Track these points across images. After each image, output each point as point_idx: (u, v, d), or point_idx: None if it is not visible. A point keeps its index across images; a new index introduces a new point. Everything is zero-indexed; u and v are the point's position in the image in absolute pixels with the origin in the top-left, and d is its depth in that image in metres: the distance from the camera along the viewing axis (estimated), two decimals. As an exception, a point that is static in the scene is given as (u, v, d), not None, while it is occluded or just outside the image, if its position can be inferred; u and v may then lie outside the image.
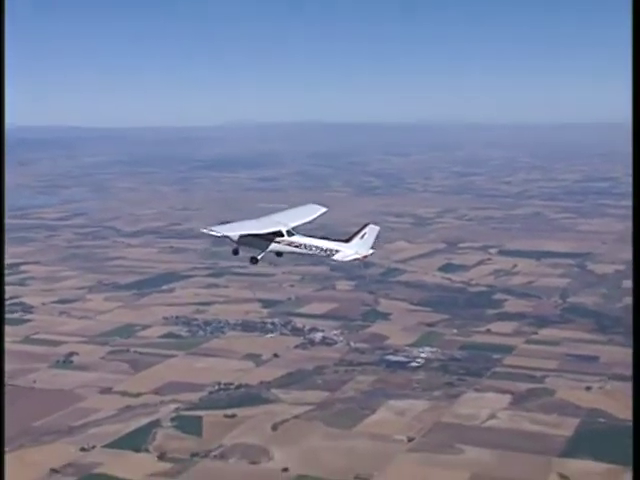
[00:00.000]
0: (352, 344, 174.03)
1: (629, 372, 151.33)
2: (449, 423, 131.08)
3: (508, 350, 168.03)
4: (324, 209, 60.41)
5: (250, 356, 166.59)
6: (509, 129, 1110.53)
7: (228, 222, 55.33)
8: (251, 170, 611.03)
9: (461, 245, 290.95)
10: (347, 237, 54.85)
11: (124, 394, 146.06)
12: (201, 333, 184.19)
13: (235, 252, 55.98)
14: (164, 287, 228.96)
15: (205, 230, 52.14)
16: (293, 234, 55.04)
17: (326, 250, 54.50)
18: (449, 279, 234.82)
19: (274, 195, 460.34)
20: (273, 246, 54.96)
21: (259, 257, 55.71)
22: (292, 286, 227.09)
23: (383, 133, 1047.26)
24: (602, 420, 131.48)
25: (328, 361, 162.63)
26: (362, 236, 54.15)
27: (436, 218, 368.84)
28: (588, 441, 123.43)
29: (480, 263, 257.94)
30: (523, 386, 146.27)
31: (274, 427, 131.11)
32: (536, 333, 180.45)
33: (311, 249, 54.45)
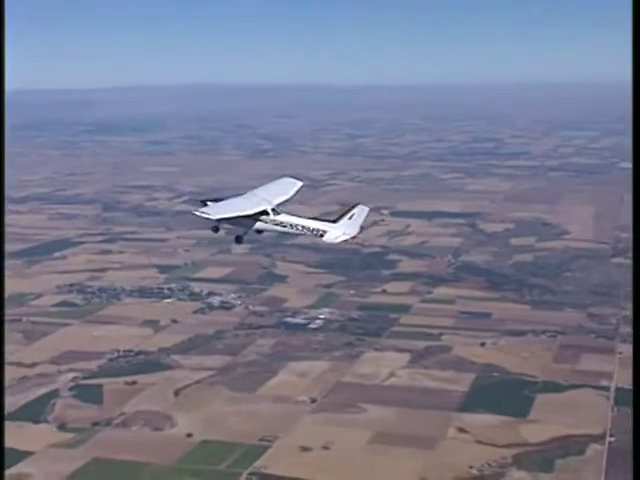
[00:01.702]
0: (251, 307, 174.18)
1: (520, 327, 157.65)
2: (350, 383, 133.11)
3: (404, 309, 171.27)
4: (300, 183, 59.35)
5: (148, 322, 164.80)
6: (397, 91, 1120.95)
7: (213, 200, 53.89)
8: (140, 134, 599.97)
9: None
10: (335, 217, 54.17)
11: (19, 365, 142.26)
12: (96, 300, 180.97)
13: (215, 230, 54.68)
14: (55, 254, 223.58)
15: (197, 213, 50.69)
16: (279, 213, 54.03)
17: (313, 230, 53.56)
18: (344, 241, 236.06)
19: (164, 159, 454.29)
20: (258, 225, 53.82)
21: (243, 235, 54.87)
22: (187, 251, 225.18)
23: (271, 95, 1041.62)
24: (496, 374, 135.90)
25: (227, 325, 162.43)
26: (350, 216, 53.46)
27: (328, 180, 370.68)
28: (484, 395, 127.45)
29: (373, 224, 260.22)
30: (421, 344, 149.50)
31: (176, 393, 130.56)
32: (431, 292, 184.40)
33: (297, 229, 53.54)
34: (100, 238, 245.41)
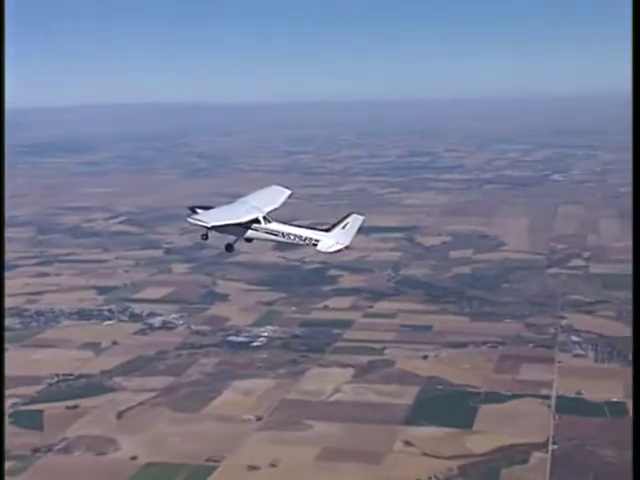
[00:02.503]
0: (193, 327, 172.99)
1: (461, 339, 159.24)
2: (296, 400, 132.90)
3: (347, 324, 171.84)
4: (288, 191, 58.75)
5: (88, 345, 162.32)
6: (333, 107, 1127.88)
7: (203, 207, 52.98)
8: (74, 155, 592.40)
9: (292, 223, 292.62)
10: (328, 226, 53.59)
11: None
12: (34, 324, 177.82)
13: (205, 237, 53.74)
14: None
15: (192, 220, 49.91)
16: (270, 221, 53.39)
17: (305, 239, 52.84)
18: (284, 257, 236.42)
19: (100, 179, 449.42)
20: (249, 233, 53.02)
21: (234, 243, 54.17)
22: (127, 271, 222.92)
23: (207, 114, 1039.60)
24: (440, 387, 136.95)
25: (169, 345, 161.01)
26: (344, 226, 52.89)
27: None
28: (428, 408, 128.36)
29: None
30: (364, 359, 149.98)
31: (119, 416, 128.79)
32: (372, 306, 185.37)
33: (290, 237, 52.92)
34: (36, 261, 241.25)
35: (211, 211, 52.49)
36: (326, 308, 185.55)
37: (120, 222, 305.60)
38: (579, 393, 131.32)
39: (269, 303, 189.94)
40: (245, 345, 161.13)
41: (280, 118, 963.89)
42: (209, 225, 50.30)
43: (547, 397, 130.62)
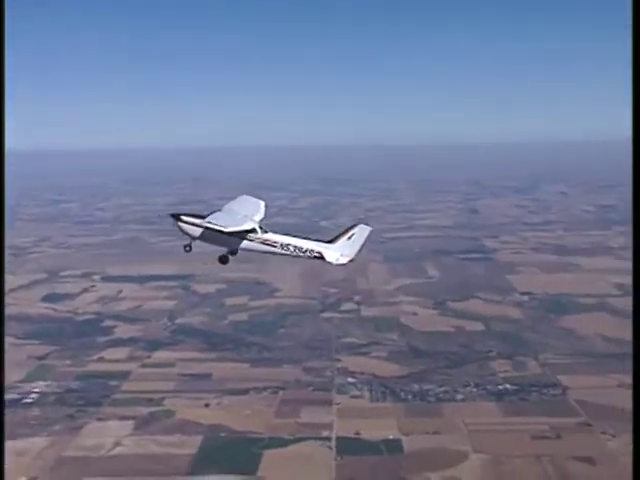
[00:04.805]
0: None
1: (242, 386, 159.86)
2: (73, 457, 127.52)
3: (124, 376, 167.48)
4: (262, 201, 54.30)
5: None
6: (98, 155, 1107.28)
7: (188, 214, 47.56)
8: None
9: (62, 274, 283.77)
10: (331, 237, 49.56)
11: None
12: None
13: (189, 249, 48.67)
14: None
15: (207, 224, 45.89)
16: (266, 231, 48.98)
17: (306, 251, 49.02)
18: (54, 309, 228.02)
19: None
20: (245, 244, 48.08)
21: (228, 255, 49.41)
22: None
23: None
24: (223, 434, 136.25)
25: None
26: (350, 237, 49.28)
27: (32, 247, 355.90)
28: (212, 456, 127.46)
29: (85, 291, 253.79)
30: (144, 410, 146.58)
31: None
32: (149, 356, 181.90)
33: (288, 249, 48.71)
34: None
35: (217, 216, 48.29)
36: (102, 360, 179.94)
37: None
38: (358, 433, 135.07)
39: (40, 357, 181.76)
40: (15, 402, 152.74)
41: (43, 167, 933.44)
42: (227, 230, 46.39)
43: (328, 439, 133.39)
